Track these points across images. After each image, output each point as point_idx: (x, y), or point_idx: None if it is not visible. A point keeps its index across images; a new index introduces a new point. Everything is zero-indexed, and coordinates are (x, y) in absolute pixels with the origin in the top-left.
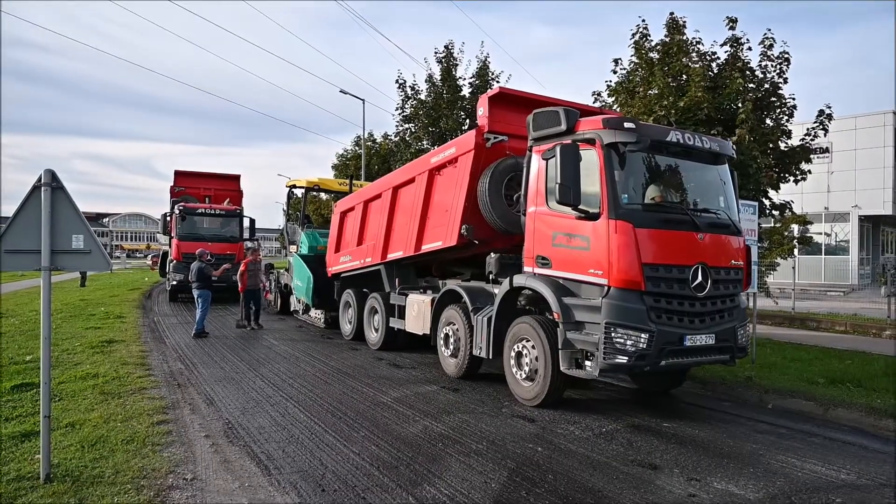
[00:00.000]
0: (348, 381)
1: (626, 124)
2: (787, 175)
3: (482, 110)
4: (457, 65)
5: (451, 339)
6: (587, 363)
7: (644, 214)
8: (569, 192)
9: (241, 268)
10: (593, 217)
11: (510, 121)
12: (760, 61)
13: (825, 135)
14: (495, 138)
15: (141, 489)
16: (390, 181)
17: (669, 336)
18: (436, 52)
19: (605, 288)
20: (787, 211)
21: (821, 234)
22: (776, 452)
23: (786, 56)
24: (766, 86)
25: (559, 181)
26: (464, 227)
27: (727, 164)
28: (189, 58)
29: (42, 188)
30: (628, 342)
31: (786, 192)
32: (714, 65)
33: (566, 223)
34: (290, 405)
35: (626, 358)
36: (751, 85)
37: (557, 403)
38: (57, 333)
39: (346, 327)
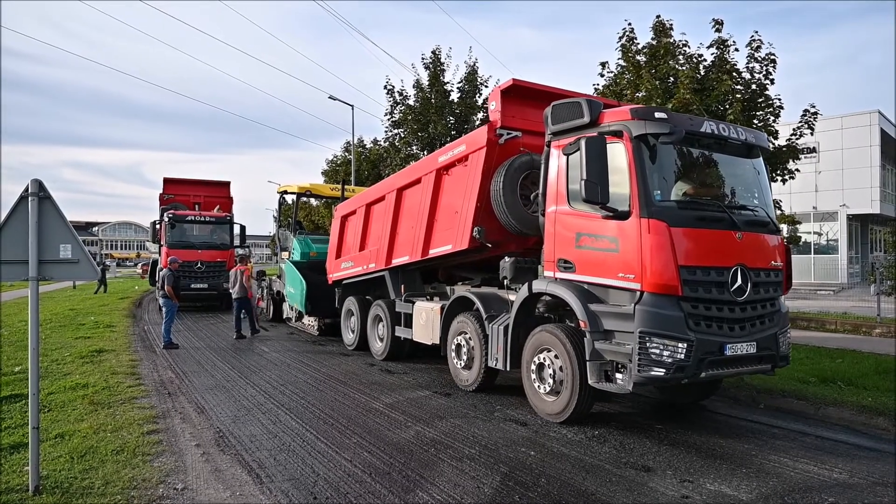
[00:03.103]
0: (340, 387)
1: (658, 114)
2: (774, 175)
3: (494, 104)
4: (444, 70)
5: (464, 350)
6: (618, 376)
7: (678, 212)
8: (596, 189)
9: (247, 274)
10: (622, 216)
11: (524, 115)
12: (748, 63)
13: (812, 133)
14: (509, 134)
15: (131, 500)
16: (394, 183)
17: (709, 345)
18: (423, 58)
19: (638, 293)
20: (776, 210)
21: (810, 233)
22: (769, 452)
23: (772, 57)
24: (754, 87)
25: (585, 177)
26: (476, 229)
27: (761, 157)
28: (175, 64)
29: (29, 198)
30: (665, 352)
31: (774, 192)
32: (701, 67)
33: (591, 223)
34: (282, 413)
35: (664, 370)
36: (738, 86)
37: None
38: (46, 344)
39: (349, 336)
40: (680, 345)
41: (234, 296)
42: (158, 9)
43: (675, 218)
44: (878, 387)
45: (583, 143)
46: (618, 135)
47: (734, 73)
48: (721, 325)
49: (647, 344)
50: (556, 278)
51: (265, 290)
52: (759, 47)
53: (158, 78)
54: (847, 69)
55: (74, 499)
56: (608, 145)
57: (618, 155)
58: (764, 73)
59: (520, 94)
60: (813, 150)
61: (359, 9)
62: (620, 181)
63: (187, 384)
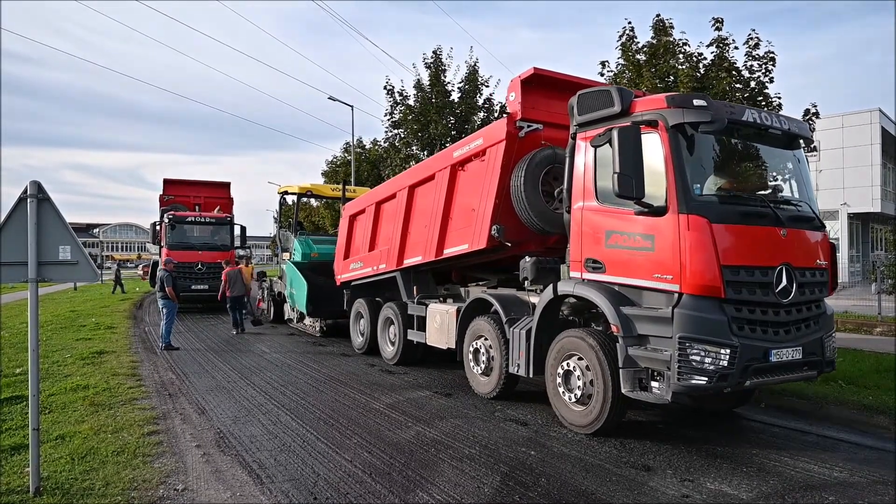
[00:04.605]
0: (340, 388)
1: (697, 101)
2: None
3: (514, 95)
4: (445, 70)
5: (482, 355)
6: (654, 384)
7: (720, 207)
8: (630, 184)
9: (245, 273)
10: (658, 212)
11: (545, 107)
12: (746, 61)
13: (812, 132)
14: (529, 126)
15: (132, 501)
16: (405, 180)
17: (754, 351)
18: (424, 58)
19: (676, 295)
20: None
21: None
22: (769, 451)
23: (771, 55)
24: (753, 85)
25: (617, 170)
26: (494, 227)
27: (802, 149)
28: (174, 66)
29: (28, 200)
30: (707, 360)
31: None
32: (701, 65)
33: (623, 220)
34: (282, 413)
35: (706, 378)
36: (737, 85)
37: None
38: (47, 345)
39: (358, 340)
40: (723, 351)
41: (231, 294)
42: (156, 9)
43: (717, 213)
44: (878, 385)
45: (615, 133)
46: (652, 124)
47: (734, 72)
48: (766, 330)
49: (688, 350)
50: (583, 279)
51: (266, 292)
52: (757, 45)
53: (158, 80)
54: (847, 68)
55: (75, 500)
56: (642, 136)
57: (652, 146)
58: (763, 71)
59: (541, 85)
60: (814, 149)
61: (358, 10)
62: (655, 174)
63: (188, 385)
